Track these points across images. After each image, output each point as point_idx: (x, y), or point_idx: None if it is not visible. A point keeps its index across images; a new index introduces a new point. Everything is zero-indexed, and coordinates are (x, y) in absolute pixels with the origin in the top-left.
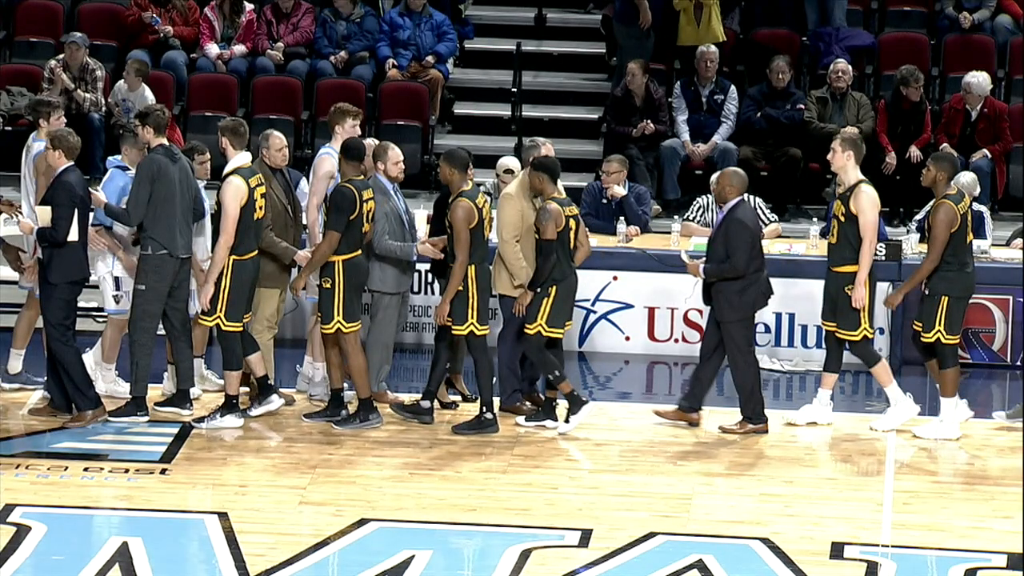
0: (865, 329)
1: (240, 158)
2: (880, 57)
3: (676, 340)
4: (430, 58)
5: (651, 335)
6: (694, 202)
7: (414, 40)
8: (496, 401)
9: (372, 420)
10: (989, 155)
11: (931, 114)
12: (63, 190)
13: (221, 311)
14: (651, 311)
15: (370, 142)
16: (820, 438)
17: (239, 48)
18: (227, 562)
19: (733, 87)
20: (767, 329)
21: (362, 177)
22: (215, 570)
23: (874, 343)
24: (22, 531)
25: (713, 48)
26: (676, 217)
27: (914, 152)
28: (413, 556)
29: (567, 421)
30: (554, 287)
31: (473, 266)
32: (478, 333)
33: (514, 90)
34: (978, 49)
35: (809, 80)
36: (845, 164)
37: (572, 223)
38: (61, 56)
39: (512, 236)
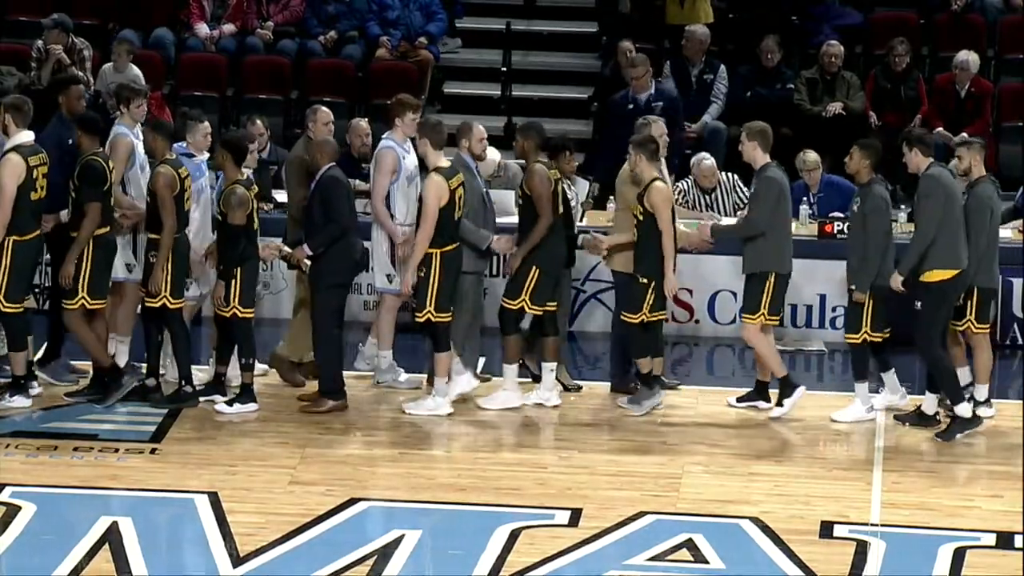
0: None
1: (22, 136)
2: (870, 37)
3: (665, 320)
4: (423, 39)
5: None
6: (675, 187)
7: (403, 19)
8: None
9: (125, 386)
10: (965, 134)
11: (923, 91)
12: None
13: (1, 292)
14: None
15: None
16: (809, 419)
17: (228, 27)
18: (217, 541)
19: (723, 67)
20: None
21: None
22: (205, 550)
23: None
24: (11, 511)
25: (704, 29)
26: None
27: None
28: (403, 535)
29: (230, 404)
30: (239, 269)
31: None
32: (171, 306)
33: (504, 70)
34: (968, 28)
35: (799, 60)
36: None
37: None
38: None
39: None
